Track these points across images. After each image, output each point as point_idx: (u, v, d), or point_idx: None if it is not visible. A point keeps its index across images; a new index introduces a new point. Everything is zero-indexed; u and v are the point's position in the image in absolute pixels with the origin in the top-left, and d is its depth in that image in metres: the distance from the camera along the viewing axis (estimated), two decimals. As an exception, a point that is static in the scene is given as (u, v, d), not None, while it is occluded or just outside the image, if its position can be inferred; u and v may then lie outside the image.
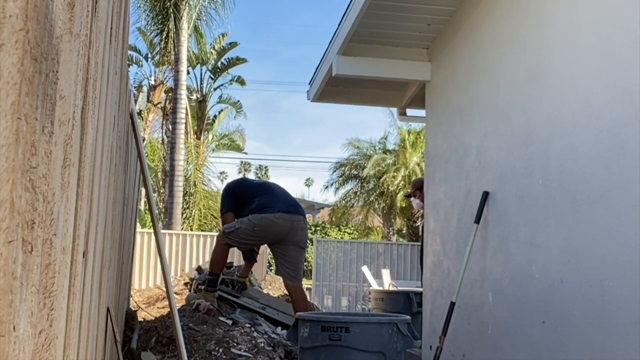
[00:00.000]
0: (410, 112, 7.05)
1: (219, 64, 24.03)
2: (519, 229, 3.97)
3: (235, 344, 5.17)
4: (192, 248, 14.85)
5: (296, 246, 5.62)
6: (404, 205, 23.17)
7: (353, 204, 24.80)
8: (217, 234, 17.66)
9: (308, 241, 6.00)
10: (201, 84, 24.15)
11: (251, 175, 74.83)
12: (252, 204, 5.52)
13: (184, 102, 18.02)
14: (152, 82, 23.60)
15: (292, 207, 5.63)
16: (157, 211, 11.44)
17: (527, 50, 3.99)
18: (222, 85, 24.57)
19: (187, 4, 17.39)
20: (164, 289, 8.31)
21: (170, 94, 20.51)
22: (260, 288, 8.10)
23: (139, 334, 5.28)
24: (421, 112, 6.45)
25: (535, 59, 3.90)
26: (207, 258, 14.95)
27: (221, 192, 6.29)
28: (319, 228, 30.34)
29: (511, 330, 3.97)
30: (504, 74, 4.31)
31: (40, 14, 0.75)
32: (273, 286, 11.59)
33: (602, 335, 3.11)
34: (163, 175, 20.46)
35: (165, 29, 17.30)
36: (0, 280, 0.65)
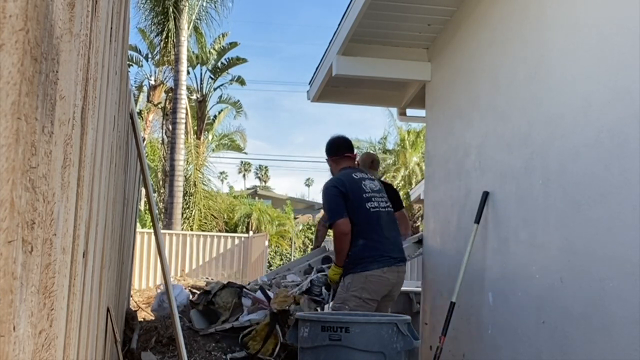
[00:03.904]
0: (410, 112, 7.05)
1: (219, 64, 24.06)
2: (519, 229, 3.97)
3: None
4: (192, 248, 14.86)
5: (390, 299, 4.58)
6: (404, 205, 23.16)
7: (353, 204, 24.75)
8: (219, 234, 16.94)
9: None
10: (201, 84, 24.18)
11: (251, 175, 74.44)
12: (356, 241, 4.36)
13: (184, 102, 18.03)
14: (152, 82, 23.62)
15: (398, 253, 4.54)
16: (157, 211, 11.44)
17: (527, 50, 3.99)
18: (222, 85, 24.62)
19: (187, 4, 17.39)
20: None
21: (170, 94, 20.52)
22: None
23: (139, 334, 5.29)
24: (421, 112, 6.44)
25: (535, 59, 3.90)
26: (207, 258, 14.96)
27: (324, 193, 4.57)
28: (319, 228, 30.28)
29: (511, 330, 3.97)
30: (504, 74, 4.31)
31: (40, 14, 0.75)
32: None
33: (602, 335, 3.11)
34: (163, 175, 20.47)
35: (165, 29, 17.32)
36: (0, 280, 0.65)
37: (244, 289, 5.69)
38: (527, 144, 3.92)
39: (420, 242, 6.09)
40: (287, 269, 7.19)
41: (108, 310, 2.89)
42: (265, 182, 70.19)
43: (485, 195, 4.41)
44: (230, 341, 5.21)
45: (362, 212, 4.43)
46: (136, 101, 19.92)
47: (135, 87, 23.07)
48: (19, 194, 0.70)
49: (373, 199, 4.54)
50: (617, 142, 3.08)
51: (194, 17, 18.55)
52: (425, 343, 5.28)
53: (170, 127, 18.99)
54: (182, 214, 18.95)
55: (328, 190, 4.53)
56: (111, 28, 1.77)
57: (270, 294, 5.36)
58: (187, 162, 20.68)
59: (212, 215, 21.80)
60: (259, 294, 5.44)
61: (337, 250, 4.44)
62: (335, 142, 4.89)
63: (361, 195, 4.49)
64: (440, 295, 5.13)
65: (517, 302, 3.92)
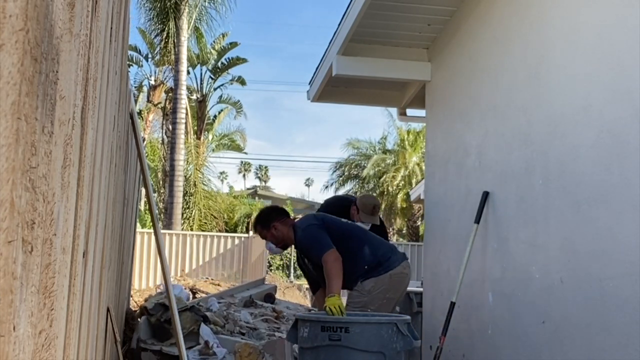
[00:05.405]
0: (410, 112, 7.05)
1: (219, 64, 24.04)
2: (519, 229, 3.97)
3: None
4: (192, 248, 14.85)
5: (402, 295, 4.59)
6: (404, 206, 23.18)
7: (353, 204, 24.72)
8: (219, 234, 16.82)
9: None
10: (201, 84, 24.17)
11: (251, 175, 74.53)
12: (362, 252, 4.33)
13: (184, 102, 18.03)
14: (152, 82, 23.62)
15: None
16: (157, 211, 11.44)
17: (528, 50, 3.99)
18: (222, 85, 24.61)
19: (187, 4, 17.39)
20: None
21: (170, 94, 20.52)
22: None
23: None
24: (421, 112, 6.45)
25: (535, 59, 3.90)
26: (207, 258, 14.96)
27: (302, 236, 4.42)
28: (319, 228, 30.30)
29: (511, 330, 3.97)
30: (504, 74, 4.31)
31: (40, 14, 0.75)
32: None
33: (602, 335, 3.11)
34: (163, 175, 20.47)
35: (165, 29, 17.31)
36: (0, 280, 0.65)
37: (205, 323, 5.27)
38: (527, 144, 3.92)
39: None
40: (231, 294, 7.13)
41: (108, 310, 2.89)
42: (265, 182, 70.16)
43: (485, 195, 4.41)
44: None
45: (348, 228, 4.51)
46: (136, 101, 19.93)
47: (135, 87, 23.07)
48: (19, 194, 0.70)
49: (356, 227, 4.71)
50: (617, 142, 3.08)
51: (194, 17, 18.54)
52: (425, 343, 5.28)
53: (170, 127, 18.99)
54: (182, 214, 18.95)
55: (308, 230, 4.41)
56: (111, 28, 1.77)
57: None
58: (187, 162, 20.68)
59: (212, 215, 21.80)
60: (212, 338, 5.06)
61: (334, 277, 4.14)
62: (276, 207, 4.92)
63: (333, 217, 4.62)
64: (440, 295, 5.13)
65: (517, 302, 3.92)
